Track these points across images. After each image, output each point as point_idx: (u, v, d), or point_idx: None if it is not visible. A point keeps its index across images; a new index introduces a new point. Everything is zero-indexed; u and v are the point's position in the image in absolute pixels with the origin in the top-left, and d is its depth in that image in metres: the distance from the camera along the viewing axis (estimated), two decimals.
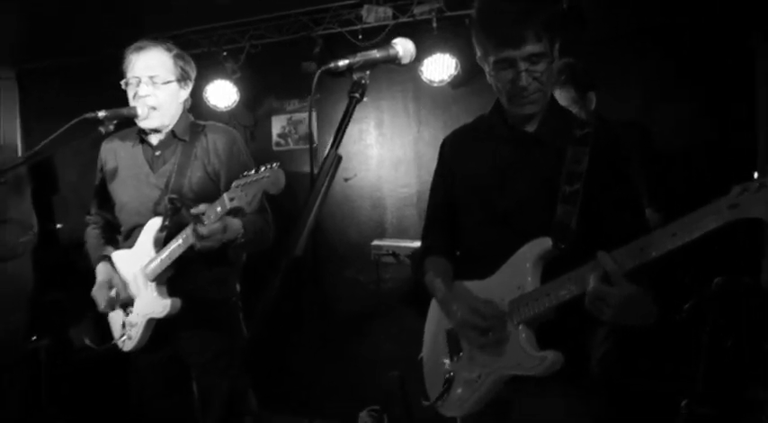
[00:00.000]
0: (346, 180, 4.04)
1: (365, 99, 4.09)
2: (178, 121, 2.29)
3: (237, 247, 2.13)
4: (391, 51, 1.29)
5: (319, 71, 1.17)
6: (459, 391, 1.67)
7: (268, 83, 4.18)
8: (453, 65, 3.43)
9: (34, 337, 3.87)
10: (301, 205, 1.11)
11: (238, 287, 2.40)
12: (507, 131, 1.70)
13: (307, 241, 1.07)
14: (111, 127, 2.07)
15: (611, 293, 1.35)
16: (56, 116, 4.54)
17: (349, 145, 4.03)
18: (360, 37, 3.72)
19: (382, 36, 3.64)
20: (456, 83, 3.52)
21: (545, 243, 1.54)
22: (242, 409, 2.35)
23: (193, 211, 1.95)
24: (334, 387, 4.02)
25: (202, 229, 1.92)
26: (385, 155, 3.95)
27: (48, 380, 3.91)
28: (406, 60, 1.31)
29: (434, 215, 1.89)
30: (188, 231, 2.01)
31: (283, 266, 1.04)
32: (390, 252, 3.52)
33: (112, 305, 2.28)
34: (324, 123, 4.06)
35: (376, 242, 3.68)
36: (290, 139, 4.27)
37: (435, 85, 3.55)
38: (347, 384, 3.97)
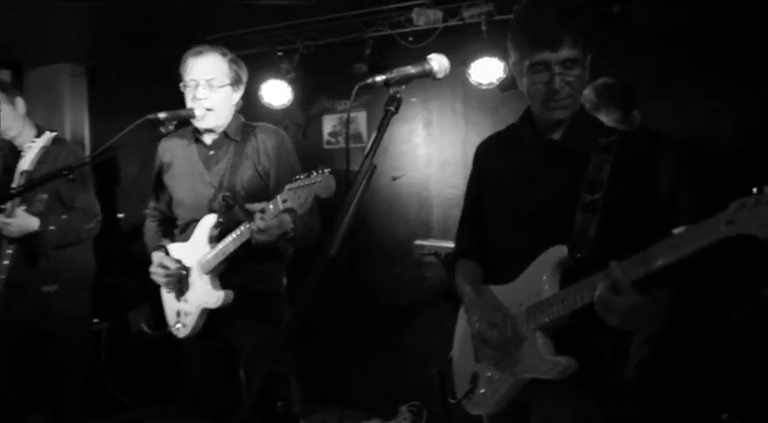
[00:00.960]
0: (394, 179, 4.11)
1: (413, 99, 4.16)
2: (230, 122, 2.41)
3: (287, 241, 2.23)
4: (426, 66, 1.36)
5: (357, 87, 1.24)
6: (483, 390, 1.73)
7: (320, 83, 4.28)
8: (501, 68, 3.46)
9: (97, 320, 4.13)
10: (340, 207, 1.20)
11: (285, 280, 2.52)
12: (535, 138, 1.73)
13: (341, 243, 1.16)
14: (171, 127, 2.21)
15: (616, 302, 1.38)
16: (121, 110, 4.81)
17: (398, 144, 4.10)
18: (410, 39, 3.78)
19: (432, 39, 3.71)
20: (504, 86, 3.54)
21: (561, 251, 1.57)
22: (285, 395, 2.44)
23: (250, 207, 2.09)
24: (376, 382, 4.12)
25: (260, 224, 2.04)
26: (433, 155, 4.00)
27: (107, 360, 4.17)
28: (440, 75, 1.38)
29: (467, 219, 1.94)
30: (242, 228, 2.14)
31: (318, 266, 1.13)
32: (432, 252, 3.58)
33: (170, 283, 2.41)
34: (374, 123, 4.14)
35: (419, 241, 3.74)
36: (340, 138, 4.37)
37: (484, 87, 3.58)
38: (389, 379, 4.06)
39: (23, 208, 2.52)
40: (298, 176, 1.94)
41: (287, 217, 2.13)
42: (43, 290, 2.72)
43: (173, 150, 2.50)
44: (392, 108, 1.29)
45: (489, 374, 1.71)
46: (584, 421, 1.62)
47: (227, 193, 2.31)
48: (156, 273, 2.40)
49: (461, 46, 3.76)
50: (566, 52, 1.55)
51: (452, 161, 3.90)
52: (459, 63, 3.77)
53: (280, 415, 2.10)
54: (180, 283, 2.41)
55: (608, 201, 1.56)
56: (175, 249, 2.44)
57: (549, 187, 1.67)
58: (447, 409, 3.15)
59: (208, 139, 2.43)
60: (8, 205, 2.48)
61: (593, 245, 1.55)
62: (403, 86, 1.32)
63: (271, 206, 2.02)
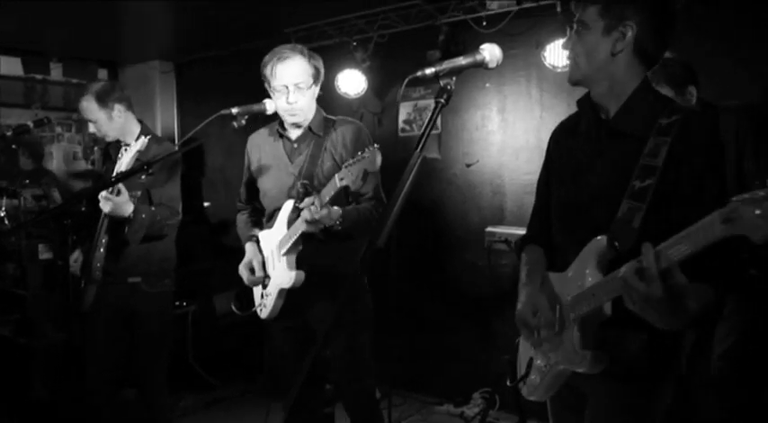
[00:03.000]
0: (468, 166, 4.09)
1: (488, 84, 4.11)
2: (314, 117, 2.52)
3: (338, 232, 2.33)
4: (478, 57, 1.35)
5: (407, 79, 1.26)
6: (533, 376, 1.73)
7: (395, 71, 4.31)
8: None
9: (184, 303, 4.38)
10: (393, 197, 1.22)
11: None
12: (590, 119, 1.65)
13: (389, 233, 1.19)
14: (244, 121, 2.30)
15: (638, 289, 1.28)
16: (206, 103, 5.03)
17: (471, 131, 4.07)
18: (484, 24, 3.73)
19: (505, 22, 3.65)
20: None
21: (601, 243, 1.50)
22: (364, 373, 2.55)
23: (302, 204, 2.23)
24: (449, 367, 4.15)
25: (309, 215, 2.19)
26: (507, 141, 3.94)
27: (193, 341, 4.41)
28: (492, 65, 1.37)
29: (537, 205, 1.92)
30: (303, 213, 2.26)
31: (366, 255, 1.17)
32: (503, 239, 3.54)
33: (253, 283, 2.61)
34: (446, 110, 4.12)
35: (489, 229, 3.71)
36: (414, 126, 4.39)
37: (559, 70, 3.49)
38: (462, 365, 4.08)
39: (131, 193, 2.71)
40: (353, 156, 2.08)
41: (336, 210, 2.25)
42: (129, 281, 2.92)
43: (260, 146, 2.65)
44: (443, 100, 1.30)
45: (539, 362, 1.71)
46: (634, 417, 1.58)
47: (305, 181, 2.43)
48: (243, 272, 2.59)
49: (536, 28, 3.69)
50: (579, 13, 1.55)
51: (526, 147, 3.83)
52: (534, 46, 3.70)
53: (328, 398, 2.17)
54: (257, 276, 2.57)
55: (660, 188, 1.44)
56: (264, 236, 2.60)
57: (600, 173, 1.59)
58: (518, 395, 3.14)
59: (293, 134, 2.55)
60: (116, 187, 2.65)
61: (636, 236, 1.42)
62: (454, 78, 1.31)
63: (329, 188, 2.16)
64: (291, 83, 2.39)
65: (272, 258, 2.51)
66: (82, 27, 4.51)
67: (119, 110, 2.94)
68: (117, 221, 2.76)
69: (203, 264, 4.68)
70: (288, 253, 2.41)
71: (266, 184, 2.59)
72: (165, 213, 2.88)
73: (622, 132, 1.56)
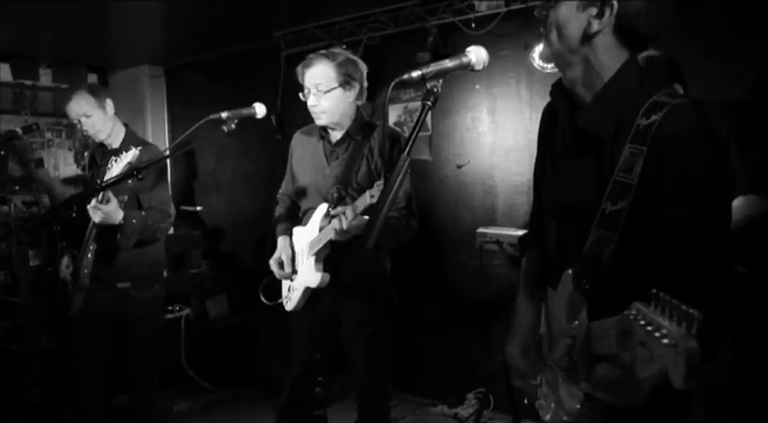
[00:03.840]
0: (459, 167, 4.10)
1: (477, 86, 4.11)
2: (353, 121, 2.57)
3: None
4: (464, 59, 1.35)
5: (393, 83, 1.27)
6: (541, 400, 1.61)
7: (385, 73, 4.31)
8: None
9: (177, 308, 4.37)
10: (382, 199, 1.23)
11: (389, 265, 2.65)
12: (565, 110, 1.40)
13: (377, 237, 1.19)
14: (233, 125, 2.30)
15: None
16: (196, 107, 5.01)
17: (462, 132, 4.09)
18: (473, 25, 3.76)
19: (494, 24, 3.67)
20: None
21: (567, 281, 1.27)
22: (384, 373, 2.63)
23: (333, 211, 2.31)
24: (443, 368, 4.15)
25: (341, 225, 2.24)
26: (498, 142, 3.95)
27: (186, 345, 4.40)
28: (479, 67, 1.37)
29: (534, 202, 1.72)
30: (333, 222, 2.31)
31: (357, 257, 1.17)
32: (494, 240, 3.55)
33: (282, 277, 2.67)
34: (437, 112, 4.13)
35: (481, 229, 3.72)
36: (405, 128, 4.39)
37: (548, 71, 3.51)
38: (456, 366, 4.08)
39: (116, 200, 2.70)
40: (386, 174, 2.07)
41: (366, 219, 2.25)
42: (118, 286, 2.92)
43: (304, 144, 2.71)
44: (429, 102, 1.30)
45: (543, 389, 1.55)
46: None
47: (340, 186, 2.50)
48: (273, 266, 2.65)
49: (524, 29, 3.71)
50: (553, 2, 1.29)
51: (516, 148, 3.85)
52: (523, 47, 3.72)
53: (318, 400, 2.16)
54: (285, 270, 2.62)
55: (633, 213, 1.18)
56: (297, 232, 2.66)
57: (575, 185, 1.34)
58: (512, 395, 3.15)
59: (333, 137, 2.61)
60: (104, 194, 2.65)
61: (605, 272, 1.19)
62: (440, 80, 1.32)
63: (359, 203, 2.19)
64: (312, 85, 2.49)
65: (302, 255, 2.58)
66: (71, 32, 4.50)
67: (109, 105, 2.99)
68: (106, 227, 2.76)
69: (196, 268, 4.67)
70: (317, 254, 2.48)
71: (303, 182, 2.66)
72: (156, 217, 2.88)
73: (590, 135, 1.30)
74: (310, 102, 2.50)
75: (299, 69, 2.55)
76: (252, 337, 4.26)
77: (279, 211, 2.83)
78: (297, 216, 2.73)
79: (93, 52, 5.16)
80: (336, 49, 2.58)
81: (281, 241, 2.68)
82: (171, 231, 4.07)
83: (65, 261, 3.01)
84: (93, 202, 2.62)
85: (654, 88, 1.25)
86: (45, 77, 5.33)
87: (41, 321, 4.04)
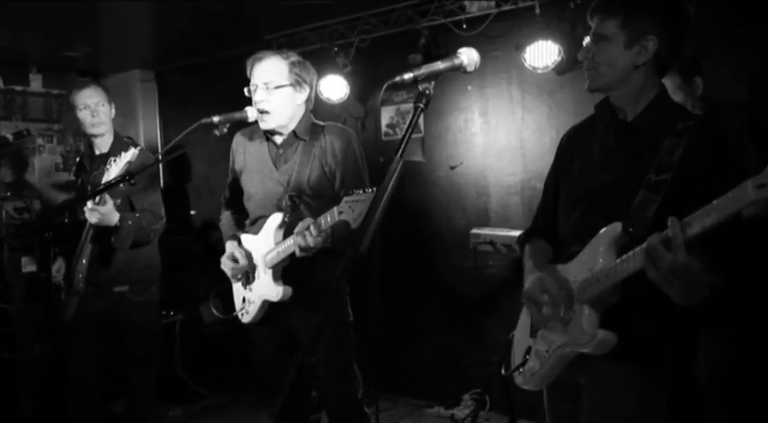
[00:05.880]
0: (452, 168, 4.11)
1: (469, 87, 4.12)
2: (299, 122, 2.45)
3: (327, 247, 2.29)
4: (456, 61, 1.36)
5: (385, 85, 1.27)
6: (531, 363, 1.76)
7: (377, 75, 4.31)
8: (556, 51, 3.39)
9: (171, 313, 4.35)
10: (374, 202, 1.23)
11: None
12: (609, 120, 1.75)
13: (372, 239, 1.19)
14: (225, 129, 2.30)
15: (664, 257, 1.34)
16: (189, 111, 5.00)
17: (455, 133, 4.09)
18: (464, 26, 3.76)
19: (485, 25, 3.67)
20: (560, 69, 3.46)
21: (616, 228, 1.56)
22: (349, 377, 2.54)
23: (296, 229, 2.19)
24: (439, 370, 4.15)
25: (305, 241, 2.17)
26: (490, 143, 3.96)
27: (181, 350, 4.38)
28: (470, 68, 1.38)
29: (543, 201, 1.98)
30: (297, 239, 2.22)
31: (348, 261, 1.17)
32: (488, 240, 3.54)
33: (237, 274, 2.55)
34: (429, 113, 4.14)
35: (474, 230, 3.72)
36: (398, 130, 4.40)
37: (539, 71, 3.52)
38: (452, 367, 4.08)
39: (113, 201, 2.69)
40: (356, 190, 2.00)
41: (329, 232, 2.20)
42: (115, 290, 2.91)
43: (246, 146, 2.58)
44: (421, 104, 1.31)
45: (539, 348, 1.73)
46: (637, 397, 1.61)
47: (294, 194, 2.38)
48: (225, 264, 2.53)
49: (515, 30, 3.72)
50: (597, 25, 1.65)
51: (509, 149, 3.85)
52: (514, 48, 3.73)
53: (314, 405, 2.17)
54: (247, 273, 2.53)
55: (674, 183, 1.53)
56: (247, 240, 2.56)
57: (617, 168, 1.67)
58: (509, 396, 3.15)
59: (278, 138, 2.48)
60: (101, 196, 2.65)
61: (650, 224, 1.50)
62: (432, 82, 1.32)
63: (327, 218, 2.10)
64: (260, 81, 2.36)
65: (257, 268, 2.49)
66: (61, 37, 4.48)
67: (113, 107, 3.07)
68: (101, 231, 2.75)
69: (189, 272, 4.65)
70: (275, 267, 2.39)
71: (251, 189, 2.54)
72: (149, 219, 2.88)
73: (641, 132, 1.67)
74: (257, 97, 2.36)
75: (248, 63, 2.42)
76: (246, 341, 4.24)
77: (225, 215, 2.74)
78: (243, 222, 2.64)
79: (84, 57, 5.14)
80: (290, 51, 2.47)
81: (230, 244, 2.58)
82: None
83: (57, 264, 3.01)
84: (90, 203, 2.62)
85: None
86: (35, 83, 5.30)
87: (34, 328, 4.02)
